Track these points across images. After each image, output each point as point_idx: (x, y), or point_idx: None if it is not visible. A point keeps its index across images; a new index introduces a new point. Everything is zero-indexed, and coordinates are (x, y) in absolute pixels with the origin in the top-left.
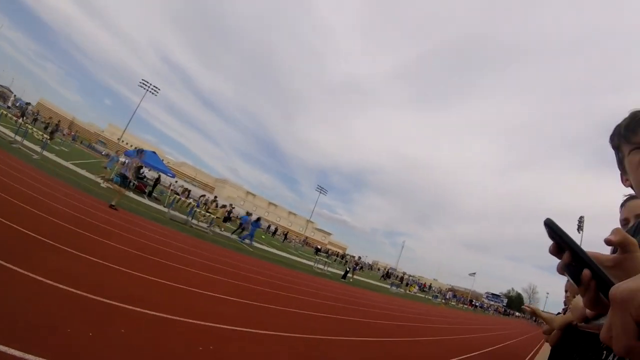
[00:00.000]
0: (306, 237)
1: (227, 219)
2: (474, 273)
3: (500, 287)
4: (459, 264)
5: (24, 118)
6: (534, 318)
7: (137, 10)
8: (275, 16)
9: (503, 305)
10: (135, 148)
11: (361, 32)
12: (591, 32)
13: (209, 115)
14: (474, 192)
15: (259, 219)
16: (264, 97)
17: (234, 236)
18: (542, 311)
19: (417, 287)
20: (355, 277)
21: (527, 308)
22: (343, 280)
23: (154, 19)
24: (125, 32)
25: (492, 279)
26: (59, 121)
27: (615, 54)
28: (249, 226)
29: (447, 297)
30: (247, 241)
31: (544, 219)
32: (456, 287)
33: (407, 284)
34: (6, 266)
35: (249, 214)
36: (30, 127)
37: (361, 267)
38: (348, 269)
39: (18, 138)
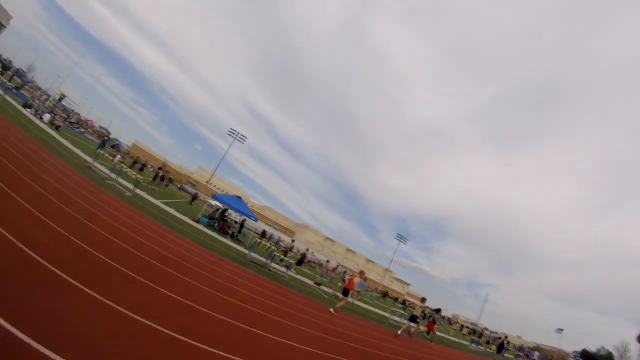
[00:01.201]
0: (387, 292)
1: (300, 261)
2: (562, 329)
3: (589, 344)
4: (545, 318)
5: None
6: None
7: (224, 66)
8: (352, 67)
9: None
10: (223, 192)
11: (435, 78)
12: None
13: (291, 162)
14: (560, 238)
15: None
16: (344, 144)
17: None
18: None
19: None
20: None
21: None
22: (426, 336)
23: (240, 73)
24: (215, 84)
25: (581, 336)
26: (164, 169)
27: None
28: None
29: (532, 356)
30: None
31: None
32: (541, 345)
33: (487, 342)
34: (87, 292)
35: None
36: (125, 165)
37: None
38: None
39: (113, 175)
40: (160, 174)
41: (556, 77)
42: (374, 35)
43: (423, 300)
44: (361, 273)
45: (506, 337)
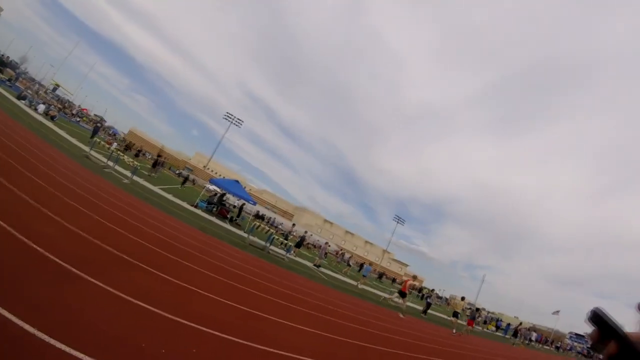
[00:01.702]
0: (383, 273)
1: (299, 244)
2: (558, 311)
3: (586, 327)
4: (542, 300)
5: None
6: None
7: (220, 49)
8: (349, 50)
9: (587, 347)
10: (221, 176)
11: (436, 60)
12: None
13: (290, 145)
14: (560, 221)
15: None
16: (342, 127)
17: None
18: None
19: (495, 325)
20: (429, 311)
21: None
22: (424, 316)
23: (237, 58)
24: (210, 69)
25: (577, 317)
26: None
27: None
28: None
29: (529, 337)
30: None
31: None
32: (538, 326)
33: (484, 322)
34: (91, 281)
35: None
36: (121, 154)
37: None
38: (429, 304)
39: (110, 163)
40: (160, 161)
41: (556, 60)
42: (372, 17)
43: (414, 277)
44: (414, 278)
45: (521, 323)
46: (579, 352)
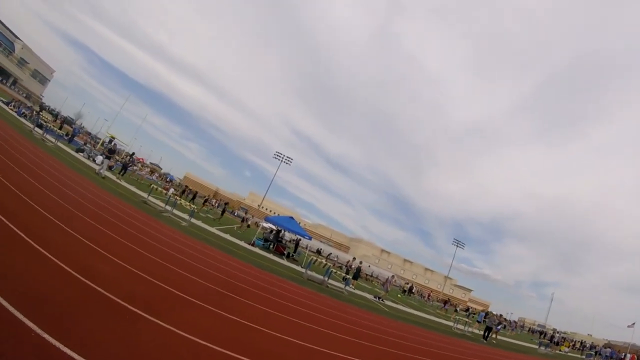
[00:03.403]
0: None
1: (356, 275)
2: (633, 324)
3: None
4: (615, 313)
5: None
6: None
7: (264, 91)
8: (387, 77)
9: None
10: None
11: (474, 74)
12: None
13: (340, 178)
14: (626, 224)
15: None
16: (391, 154)
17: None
18: None
19: (569, 346)
20: (498, 337)
21: None
22: (484, 341)
23: (280, 97)
24: (256, 110)
25: None
26: (216, 197)
27: None
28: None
29: (604, 354)
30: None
31: None
32: (614, 342)
33: (557, 343)
34: (152, 320)
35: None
36: (179, 198)
37: (504, 326)
38: (490, 327)
39: (168, 207)
40: (224, 208)
41: (596, 55)
42: (405, 40)
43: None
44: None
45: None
46: None
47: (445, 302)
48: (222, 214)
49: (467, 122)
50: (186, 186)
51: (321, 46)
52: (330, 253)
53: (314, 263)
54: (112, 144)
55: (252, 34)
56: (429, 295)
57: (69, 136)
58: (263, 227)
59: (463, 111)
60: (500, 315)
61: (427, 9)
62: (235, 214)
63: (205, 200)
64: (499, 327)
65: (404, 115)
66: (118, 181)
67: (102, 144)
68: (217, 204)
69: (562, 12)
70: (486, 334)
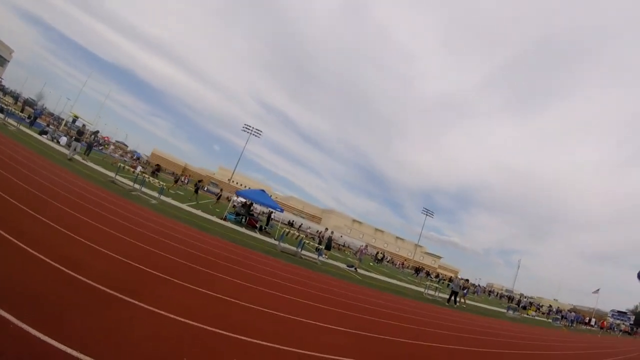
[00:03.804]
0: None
1: (328, 246)
2: (598, 290)
3: (628, 303)
4: (580, 280)
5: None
6: None
7: (231, 65)
8: (357, 49)
9: (629, 324)
10: (246, 187)
11: (443, 48)
12: None
13: (311, 150)
14: (588, 197)
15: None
16: (361, 127)
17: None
18: None
19: (535, 310)
20: (467, 301)
21: None
22: (448, 304)
23: (248, 71)
24: (224, 84)
25: (619, 294)
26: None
27: None
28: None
29: (570, 318)
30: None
31: None
32: (579, 307)
33: (524, 307)
34: (130, 301)
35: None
36: (147, 176)
37: (474, 292)
38: (455, 292)
39: (137, 186)
40: (197, 185)
41: (565, 33)
42: (375, 12)
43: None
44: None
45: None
46: (621, 331)
47: (417, 270)
48: (196, 192)
49: (436, 95)
50: (157, 165)
51: (290, 17)
52: (302, 224)
53: (286, 235)
54: (83, 125)
55: (218, 6)
56: (402, 264)
57: (31, 119)
58: (234, 202)
59: (432, 83)
60: (467, 280)
61: None
62: (206, 190)
63: (177, 180)
64: (465, 291)
65: (374, 87)
66: (84, 162)
67: (65, 124)
68: (187, 181)
69: None
70: (451, 297)
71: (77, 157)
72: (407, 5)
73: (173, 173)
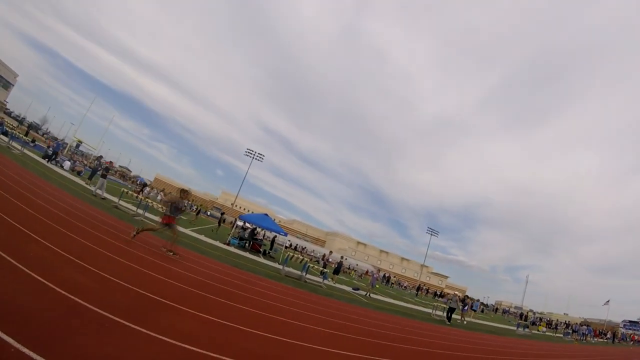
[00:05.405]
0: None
1: (337, 270)
2: (608, 301)
3: (639, 312)
4: (589, 293)
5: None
6: None
7: (232, 90)
8: (356, 73)
9: None
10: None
11: (439, 70)
12: None
13: (312, 173)
14: (592, 209)
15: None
16: (362, 148)
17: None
18: None
19: (546, 326)
20: (471, 319)
21: None
22: (448, 323)
23: (249, 95)
24: (226, 109)
25: (630, 304)
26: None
27: None
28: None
29: (581, 332)
30: None
31: None
32: (590, 320)
33: (533, 323)
34: (130, 326)
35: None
36: (150, 201)
37: (482, 310)
38: (452, 308)
39: (140, 211)
40: (197, 210)
41: (559, 49)
42: (371, 38)
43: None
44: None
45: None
46: (635, 341)
47: (418, 288)
48: (197, 215)
49: (435, 115)
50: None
51: (289, 43)
52: (305, 247)
53: (291, 259)
54: (110, 162)
55: (219, 33)
56: (406, 286)
57: (52, 155)
58: (237, 226)
59: (431, 104)
60: (466, 296)
61: (394, 7)
62: (209, 214)
63: (198, 212)
64: (465, 308)
65: (372, 110)
66: (87, 186)
67: (68, 149)
68: (189, 205)
69: (523, 8)
70: (449, 314)
71: (80, 182)
72: (401, 28)
73: (194, 205)
